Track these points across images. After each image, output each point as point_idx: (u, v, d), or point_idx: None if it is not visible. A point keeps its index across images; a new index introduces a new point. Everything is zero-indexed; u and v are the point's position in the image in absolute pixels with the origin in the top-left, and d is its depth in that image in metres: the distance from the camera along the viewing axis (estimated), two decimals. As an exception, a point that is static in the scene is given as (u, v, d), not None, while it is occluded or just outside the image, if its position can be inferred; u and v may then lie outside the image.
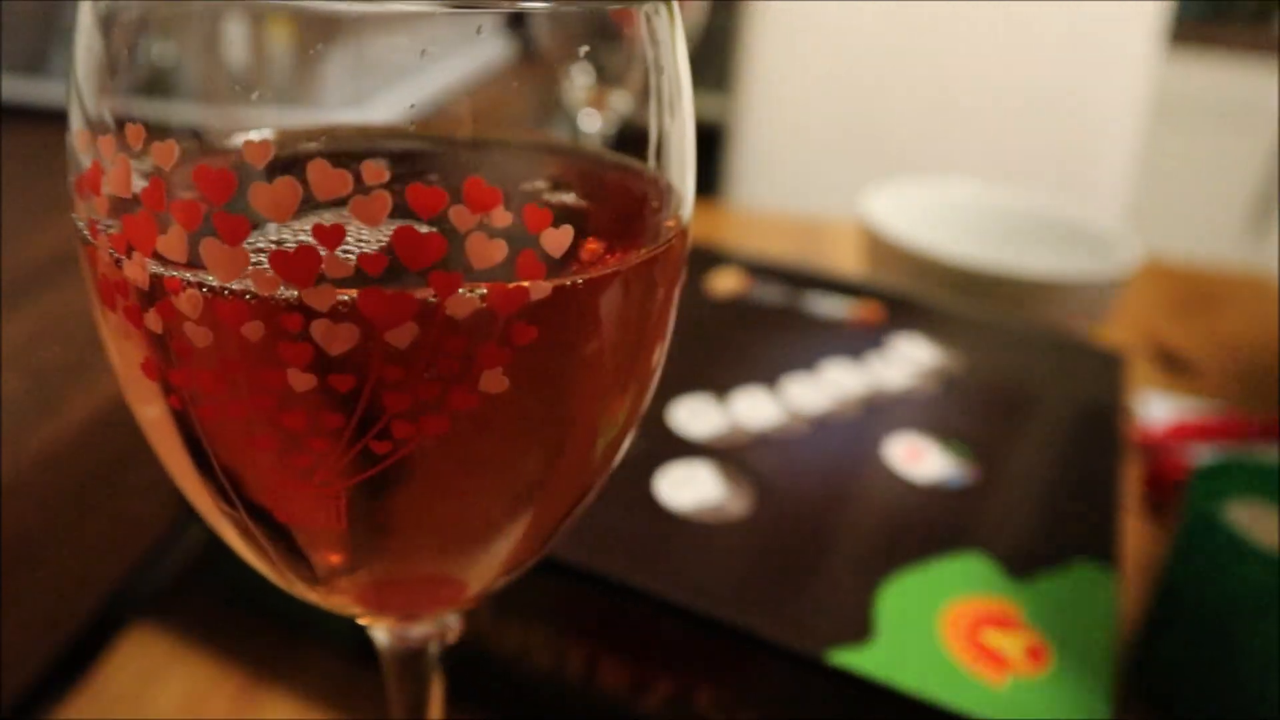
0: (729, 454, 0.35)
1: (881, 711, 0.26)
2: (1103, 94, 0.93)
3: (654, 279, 0.15)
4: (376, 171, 0.13)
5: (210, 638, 0.36)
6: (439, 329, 0.13)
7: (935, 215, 0.64)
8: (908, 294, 0.49)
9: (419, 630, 0.20)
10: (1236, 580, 0.32)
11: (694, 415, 0.37)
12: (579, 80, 0.60)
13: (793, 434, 0.36)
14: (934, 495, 0.33)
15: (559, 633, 0.30)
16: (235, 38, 0.15)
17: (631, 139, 0.16)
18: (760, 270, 0.50)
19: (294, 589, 0.18)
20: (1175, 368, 0.63)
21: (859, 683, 0.26)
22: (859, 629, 0.28)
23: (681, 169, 0.17)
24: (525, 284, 0.13)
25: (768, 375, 0.40)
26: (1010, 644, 0.28)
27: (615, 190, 0.17)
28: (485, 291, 0.13)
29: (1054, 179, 0.96)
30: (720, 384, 0.39)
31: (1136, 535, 0.46)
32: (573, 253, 0.14)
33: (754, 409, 0.38)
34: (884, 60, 0.92)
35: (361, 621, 0.20)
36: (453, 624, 0.21)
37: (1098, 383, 0.42)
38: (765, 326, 0.44)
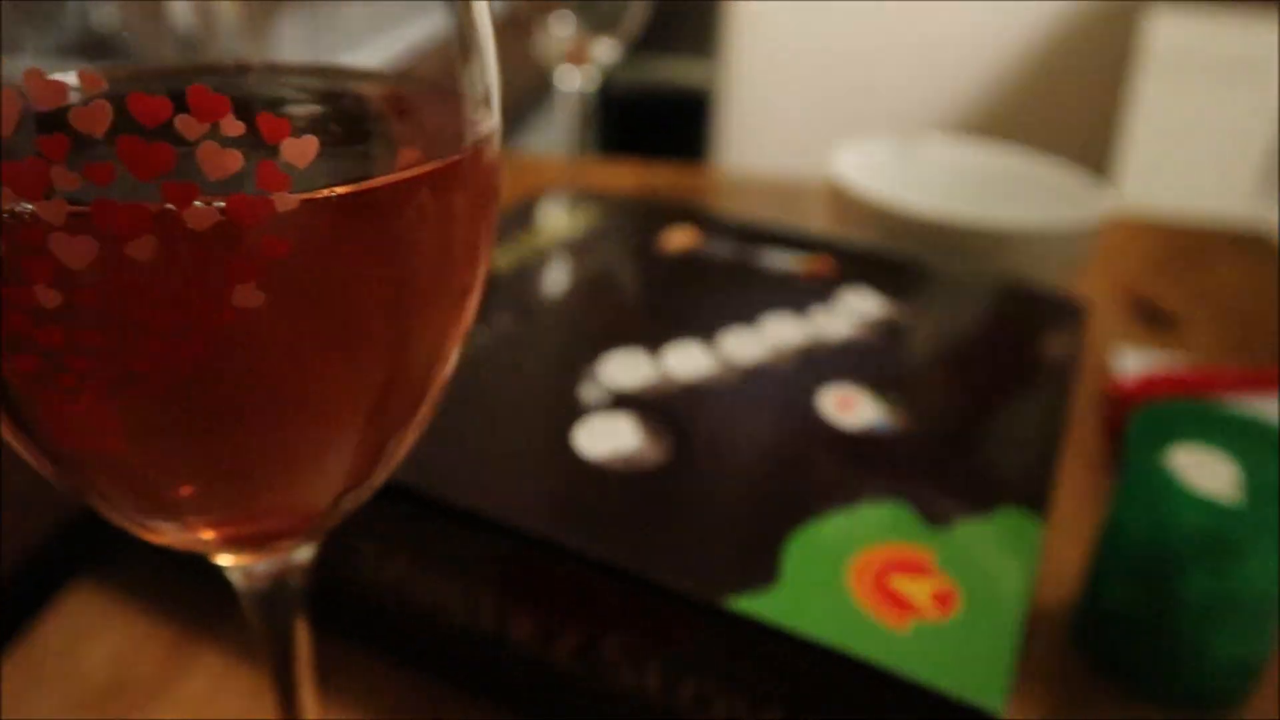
0: (652, 405, 0.34)
1: (782, 656, 0.26)
2: (1095, 48, 0.91)
3: (436, 194, 0.15)
4: (94, 79, 0.12)
5: (146, 595, 0.36)
6: (182, 241, 0.13)
7: (905, 172, 0.63)
8: (864, 248, 0.48)
9: (264, 566, 0.19)
10: (1173, 526, 0.32)
11: (623, 368, 0.36)
12: (557, 33, 0.60)
13: (723, 385, 0.36)
14: (860, 443, 0.33)
15: (470, 583, 0.30)
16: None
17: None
18: (714, 226, 0.49)
19: (130, 529, 0.18)
20: (1157, 321, 0.62)
21: (758, 628, 0.26)
22: (764, 575, 0.27)
23: (482, 77, 0.16)
24: (270, 196, 0.13)
25: (706, 329, 0.39)
26: (918, 589, 0.27)
27: (404, 106, 0.16)
28: (224, 204, 0.13)
29: (1047, 136, 0.94)
30: (656, 338, 0.39)
31: (1099, 488, 0.45)
32: (339, 166, 0.14)
33: (687, 361, 0.37)
34: (869, 21, 0.91)
35: (215, 562, 0.20)
36: (300, 558, 0.20)
37: (1053, 333, 0.41)
38: (712, 281, 0.44)
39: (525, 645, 0.30)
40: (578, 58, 0.58)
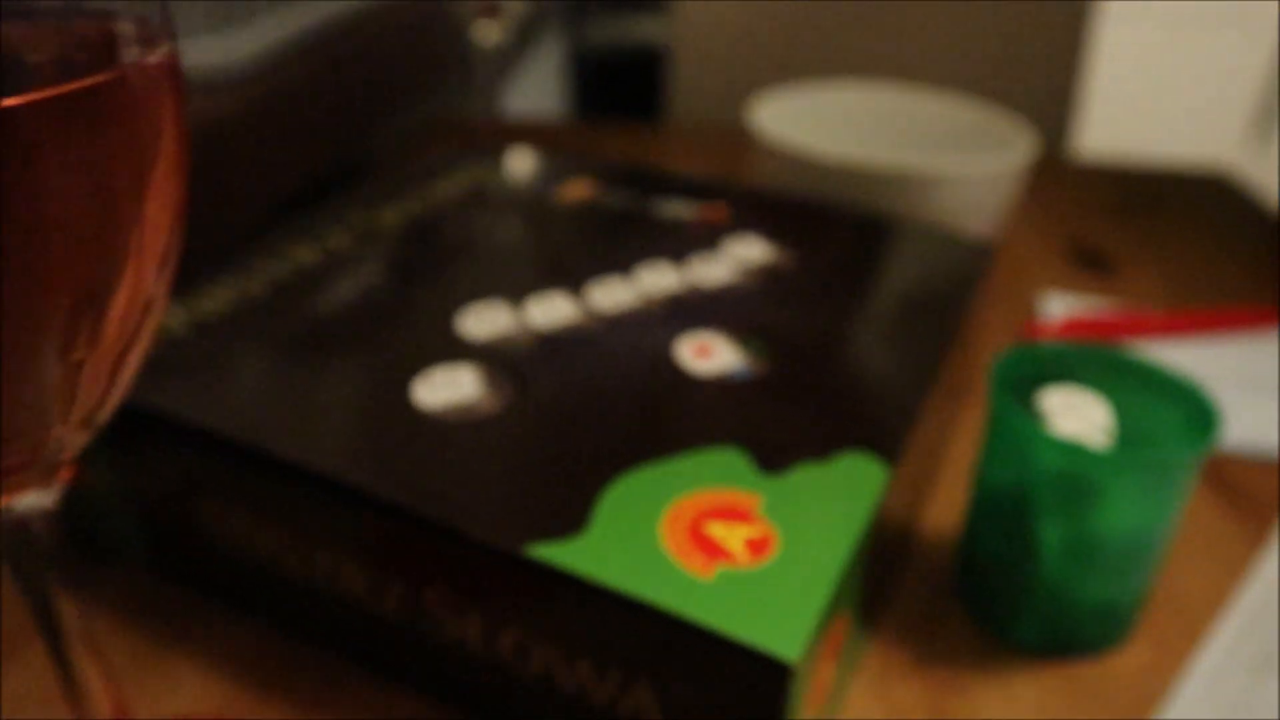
0: (500, 355, 0.33)
1: (585, 605, 0.25)
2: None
3: (75, 120, 0.14)
4: None
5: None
6: None
7: (827, 120, 0.62)
8: (766, 195, 0.47)
9: None
10: (1032, 469, 0.31)
11: (481, 320, 0.35)
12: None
13: (580, 334, 0.35)
14: (709, 390, 0.32)
15: (301, 536, 0.30)
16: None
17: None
18: (612, 177, 0.48)
19: None
20: (1096, 266, 0.60)
21: (561, 577, 0.25)
22: (572, 524, 0.26)
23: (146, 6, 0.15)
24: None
25: (578, 279, 0.39)
26: (733, 536, 0.26)
27: (60, 32, 0.15)
28: None
29: (1010, 83, 0.92)
30: (523, 289, 0.38)
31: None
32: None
33: (549, 312, 0.36)
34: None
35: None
36: (38, 504, 0.20)
37: (948, 276, 0.40)
38: (597, 232, 0.43)
39: (358, 597, 0.30)
40: (490, 11, 0.57)
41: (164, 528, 0.33)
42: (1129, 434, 0.34)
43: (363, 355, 0.33)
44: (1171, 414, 0.33)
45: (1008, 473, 0.32)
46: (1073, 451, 0.29)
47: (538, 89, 1.48)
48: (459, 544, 0.26)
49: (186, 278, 0.38)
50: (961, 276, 0.40)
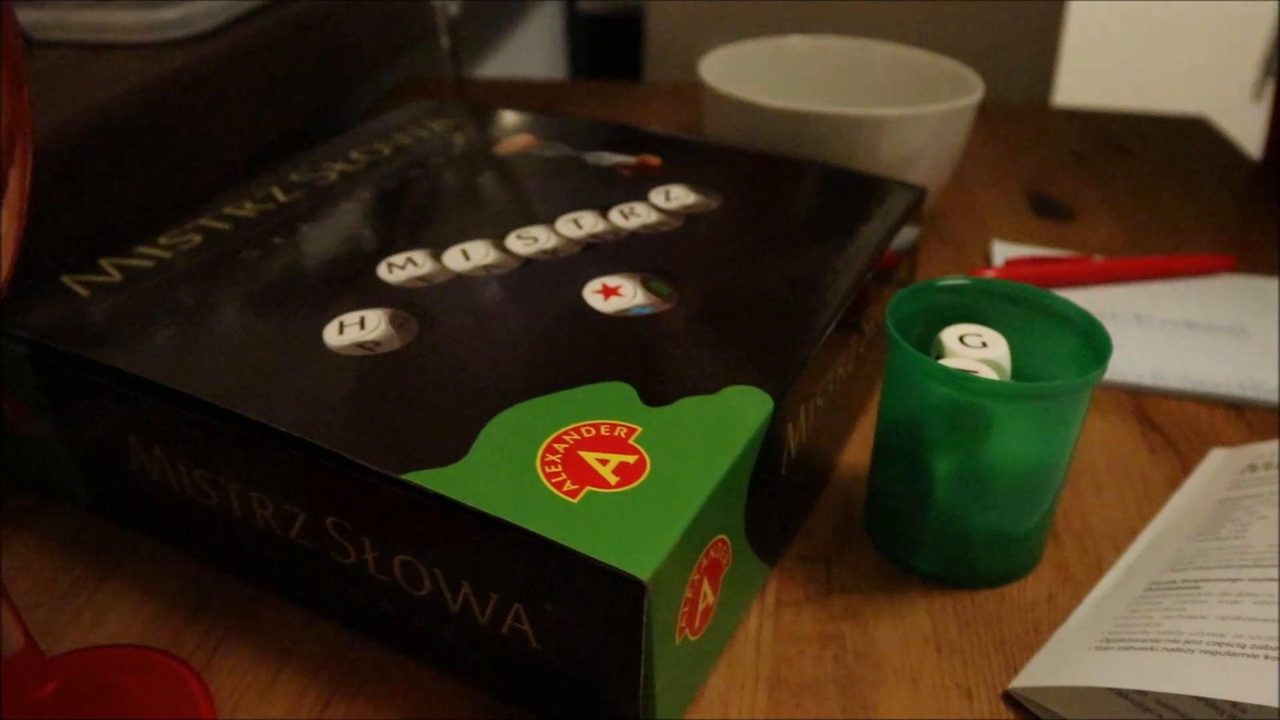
0: (411, 297, 0.34)
1: (460, 528, 0.26)
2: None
3: None
4: None
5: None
6: None
7: (782, 72, 0.62)
8: (700, 144, 0.47)
9: None
10: (923, 402, 0.31)
11: (401, 267, 0.36)
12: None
13: (492, 277, 0.36)
14: (609, 328, 0.33)
15: (216, 472, 0.31)
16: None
17: None
18: (551, 131, 0.49)
19: None
20: (1053, 214, 0.60)
21: (432, 500, 0.26)
22: (453, 454, 0.27)
23: None
24: None
25: (502, 226, 0.39)
26: (605, 463, 0.27)
27: None
28: None
29: (996, 36, 0.91)
30: (444, 237, 0.39)
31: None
32: None
33: (469, 257, 0.37)
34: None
35: None
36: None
37: (871, 220, 0.40)
38: (529, 182, 0.43)
39: (269, 528, 0.31)
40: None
41: (98, 468, 0.35)
42: (1027, 367, 0.35)
43: (283, 303, 0.34)
44: (1067, 346, 0.33)
45: (903, 406, 0.32)
46: (959, 381, 0.30)
47: (537, 53, 1.48)
48: (347, 471, 0.28)
49: (131, 234, 0.40)
50: (884, 220, 0.40)
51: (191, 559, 0.35)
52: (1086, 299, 0.50)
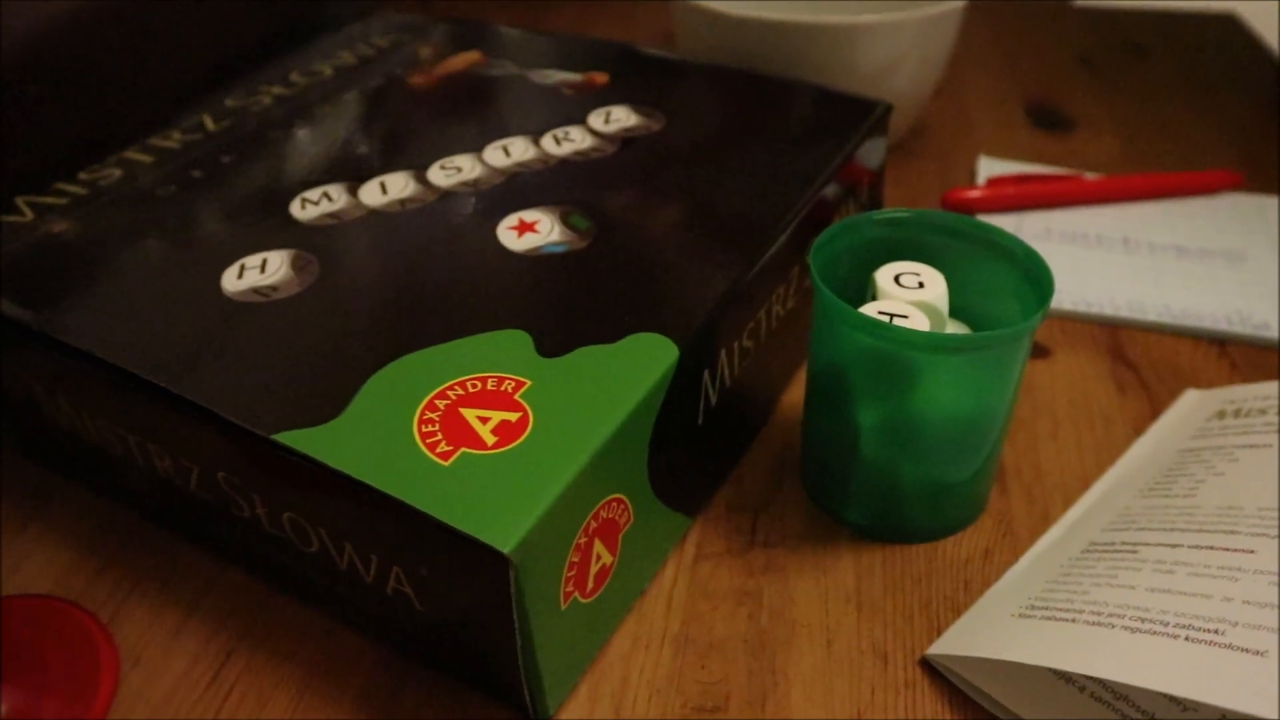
0: (317, 236, 0.33)
1: (335, 491, 0.25)
2: None
3: None
4: None
5: None
6: None
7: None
8: (652, 59, 0.44)
9: None
10: (846, 350, 0.29)
11: (311, 203, 0.35)
12: None
13: (409, 212, 0.34)
14: (515, 268, 0.31)
15: (111, 421, 0.30)
16: None
17: None
18: (499, 47, 0.46)
19: None
20: (1052, 126, 0.56)
21: (305, 461, 0.25)
22: (328, 411, 0.26)
23: None
24: None
25: (426, 156, 0.37)
26: (484, 421, 0.26)
27: None
28: None
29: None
30: (366, 168, 0.37)
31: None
32: None
33: (387, 189, 0.35)
34: None
35: None
36: None
37: (822, 142, 0.37)
38: (463, 104, 0.41)
39: (170, 478, 0.30)
40: None
41: (16, 411, 0.34)
42: (968, 304, 0.33)
43: (188, 244, 0.33)
44: (1010, 282, 0.31)
45: (827, 353, 0.30)
46: (879, 331, 0.28)
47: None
48: (224, 429, 0.26)
49: (54, 168, 0.38)
50: (837, 140, 0.38)
51: (111, 503, 0.34)
52: (1073, 220, 0.47)
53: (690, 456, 0.31)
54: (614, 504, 0.27)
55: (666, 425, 0.28)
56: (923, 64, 0.48)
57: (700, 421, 0.31)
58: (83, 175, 0.38)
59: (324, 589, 0.29)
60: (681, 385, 0.29)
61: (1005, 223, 0.46)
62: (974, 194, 0.47)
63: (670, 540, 0.32)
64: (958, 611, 0.30)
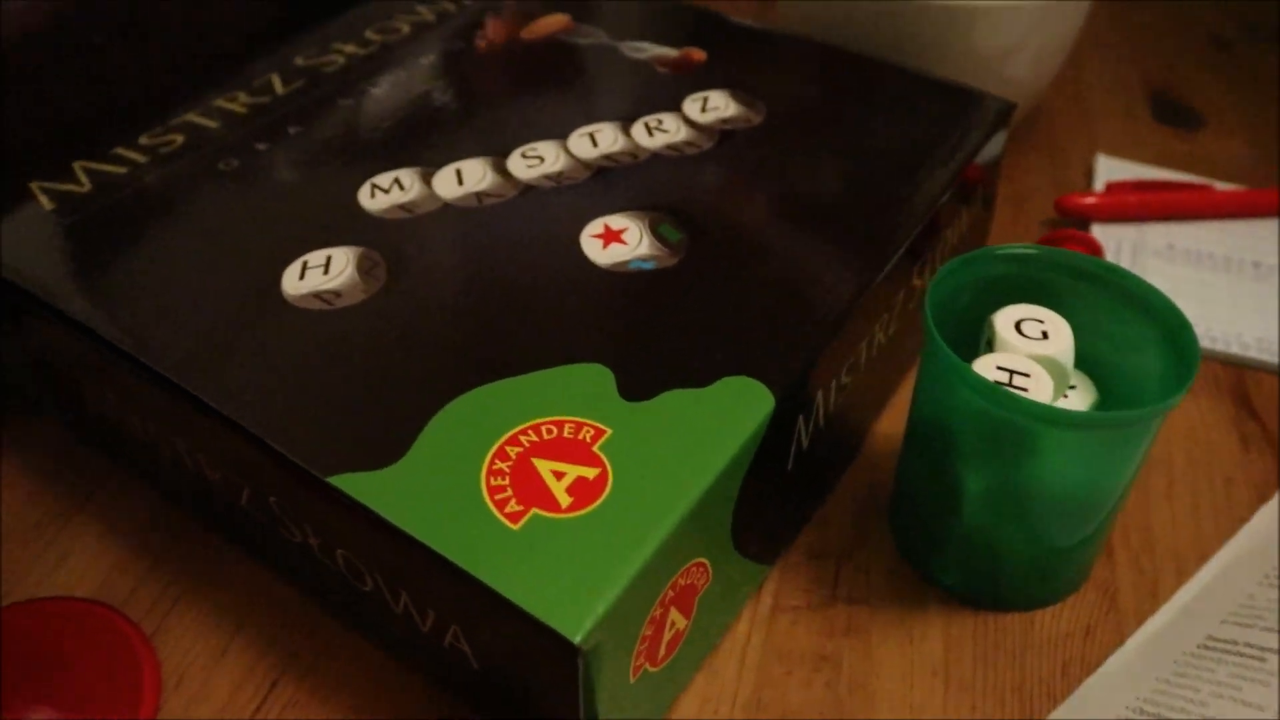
0: (387, 233, 0.30)
1: (393, 541, 0.23)
2: None
3: None
4: None
5: None
6: None
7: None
8: (754, 34, 0.40)
9: None
10: (956, 408, 0.26)
11: (382, 191, 0.32)
12: None
13: (486, 208, 0.31)
14: (599, 286, 0.28)
15: (161, 428, 0.29)
16: None
17: None
18: (588, 13, 0.43)
19: None
20: (1178, 121, 0.52)
21: (363, 508, 0.23)
22: (392, 452, 0.24)
23: None
24: None
25: (506, 140, 0.35)
26: (560, 476, 0.24)
27: None
28: None
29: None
30: (443, 152, 0.34)
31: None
32: None
33: (464, 179, 0.33)
34: None
35: None
36: None
37: (939, 148, 0.34)
38: (549, 79, 0.38)
39: (220, 489, 0.28)
40: None
41: (64, 396, 0.33)
42: (1094, 352, 0.30)
43: (249, 235, 0.31)
44: (1147, 341, 0.28)
45: (935, 405, 0.27)
46: (1000, 397, 0.25)
47: None
48: (279, 461, 0.25)
49: (114, 128, 0.36)
50: (954, 147, 0.34)
51: (159, 498, 0.33)
52: (1199, 236, 0.43)
53: (776, 504, 0.28)
54: (694, 569, 0.25)
55: (754, 477, 0.26)
56: (1044, 51, 0.44)
57: (790, 467, 0.28)
58: (144, 139, 0.35)
59: (377, 624, 0.27)
60: (774, 432, 0.26)
61: (1124, 234, 0.43)
62: (1090, 200, 0.43)
63: (748, 592, 0.29)
64: (1054, 698, 0.27)
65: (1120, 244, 0.42)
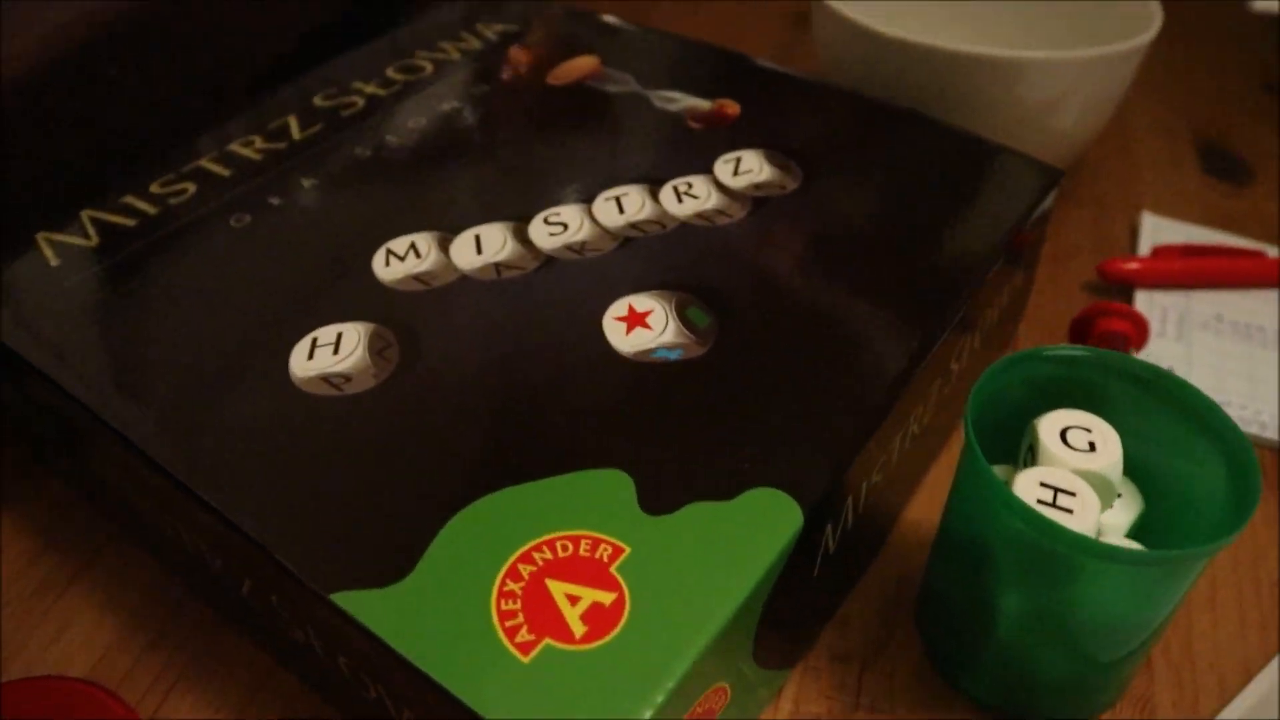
0: (401, 306, 0.29)
1: (398, 664, 0.22)
2: None
3: None
4: None
5: None
6: None
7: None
8: (793, 81, 0.39)
9: None
10: (993, 525, 0.25)
11: (397, 258, 0.31)
12: None
13: (506, 281, 0.30)
14: (621, 377, 0.27)
15: (162, 506, 0.27)
16: None
17: None
18: (620, 53, 0.41)
19: None
20: (1227, 174, 0.50)
21: (366, 628, 0.22)
22: (398, 568, 0.23)
23: None
24: None
25: (529, 200, 0.33)
26: (574, 600, 0.22)
27: None
28: None
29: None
30: (460, 212, 0.33)
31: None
32: None
33: (482, 247, 0.31)
34: None
35: None
36: None
37: (985, 222, 0.32)
38: (576, 132, 0.36)
39: (223, 576, 0.27)
40: None
41: (66, 458, 0.32)
42: (1142, 470, 0.28)
43: (257, 301, 0.30)
44: (1204, 461, 0.26)
45: (970, 521, 0.26)
46: (1038, 525, 0.23)
47: None
48: (279, 569, 0.23)
49: (127, 172, 0.35)
50: (1002, 224, 0.32)
51: (161, 568, 0.32)
52: (1250, 307, 0.41)
53: (799, 611, 0.27)
54: (713, 694, 0.23)
55: (778, 590, 0.25)
56: (1091, 103, 0.42)
57: (815, 573, 0.27)
58: (155, 187, 0.34)
59: (380, 724, 0.26)
60: (800, 543, 0.25)
61: (1170, 303, 0.41)
62: (1134, 266, 0.41)
63: (766, 697, 0.28)
64: (1090, 831, 0.26)
65: (1166, 314, 0.40)
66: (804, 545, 0.25)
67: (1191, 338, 0.39)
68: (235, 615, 0.29)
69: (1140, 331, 0.37)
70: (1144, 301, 0.41)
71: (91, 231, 0.32)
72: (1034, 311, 0.41)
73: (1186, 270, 0.41)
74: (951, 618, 0.28)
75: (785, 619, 0.26)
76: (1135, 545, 0.27)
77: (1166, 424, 0.27)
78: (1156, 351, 0.39)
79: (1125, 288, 0.42)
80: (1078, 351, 0.27)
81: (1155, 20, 0.42)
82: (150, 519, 0.29)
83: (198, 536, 0.27)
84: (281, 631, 0.27)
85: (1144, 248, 0.43)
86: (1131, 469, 0.28)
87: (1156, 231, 0.45)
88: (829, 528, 0.26)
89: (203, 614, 0.31)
